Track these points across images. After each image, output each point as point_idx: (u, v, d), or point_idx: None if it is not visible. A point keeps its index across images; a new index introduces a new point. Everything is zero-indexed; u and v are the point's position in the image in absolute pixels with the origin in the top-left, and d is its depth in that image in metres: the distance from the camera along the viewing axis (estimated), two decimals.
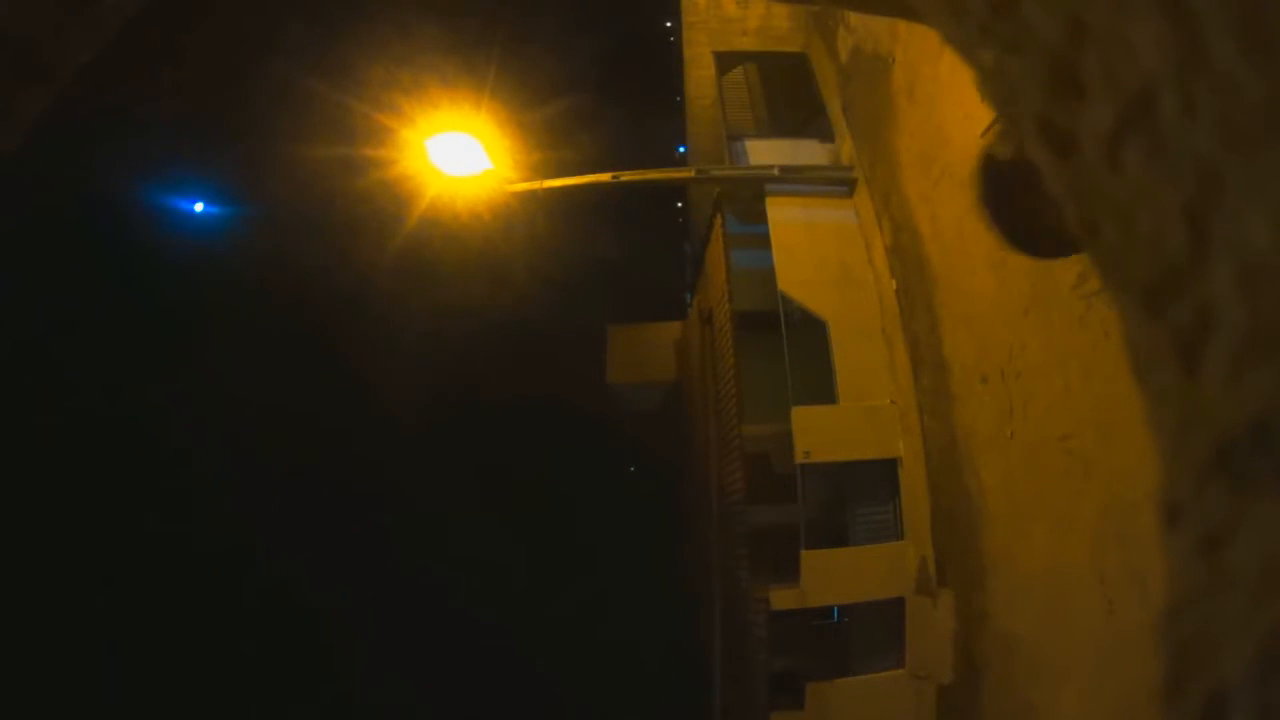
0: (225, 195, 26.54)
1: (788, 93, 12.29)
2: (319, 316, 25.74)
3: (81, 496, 22.88)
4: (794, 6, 11.67)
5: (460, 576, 26.75)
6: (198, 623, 23.44)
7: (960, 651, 7.05)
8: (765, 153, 10.45)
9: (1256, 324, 0.26)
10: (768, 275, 9.44)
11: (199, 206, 26.83)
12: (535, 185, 9.31)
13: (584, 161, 10.28)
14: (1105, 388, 4.83)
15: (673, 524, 19.65)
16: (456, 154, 8.53)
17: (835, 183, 9.95)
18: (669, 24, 19.61)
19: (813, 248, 9.47)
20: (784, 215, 9.67)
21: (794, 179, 9.94)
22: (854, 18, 9.74)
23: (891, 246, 8.80)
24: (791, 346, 9.11)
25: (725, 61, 12.44)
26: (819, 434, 8.48)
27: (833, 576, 8.21)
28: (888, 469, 8.50)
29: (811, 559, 8.23)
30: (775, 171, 9.82)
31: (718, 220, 10.87)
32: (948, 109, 7.16)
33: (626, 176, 9.72)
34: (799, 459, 8.42)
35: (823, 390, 8.78)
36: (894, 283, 8.79)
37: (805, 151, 10.48)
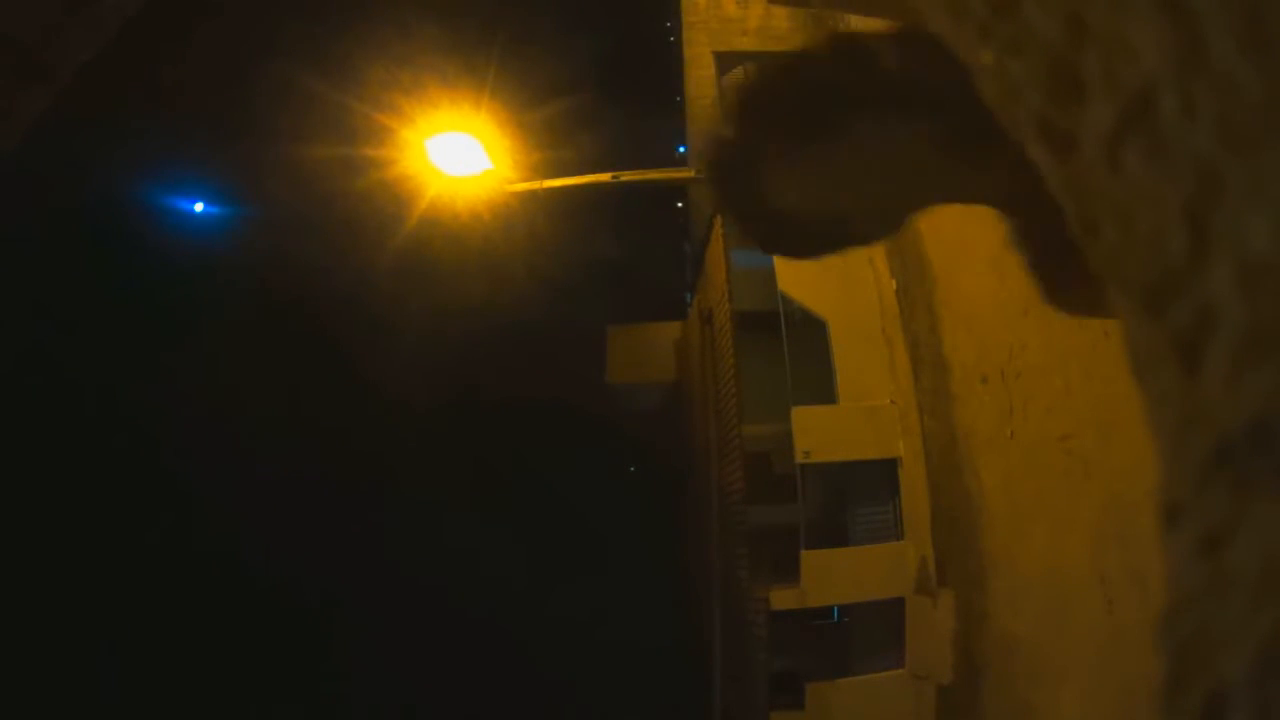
0: (225, 195, 26.55)
1: None
2: (319, 317, 25.76)
3: (81, 497, 22.89)
4: (794, 8, 11.67)
5: (460, 576, 26.75)
6: (197, 623, 23.45)
7: (960, 651, 7.05)
8: None
9: (1256, 324, 0.26)
10: (768, 275, 9.44)
11: (199, 206, 26.83)
12: (535, 185, 9.30)
13: (584, 161, 10.29)
14: (1105, 388, 4.83)
15: (673, 524, 19.65)
16: (456, 154, 8.53)
17: None
18: (669, 24, 19.61)
19: None
20: None
21: None
22: (854, 19, 9.74)
23: (891, 246, 8.81)
24: (791, 346, 9.11)
25: (725, 61, 12.44)
26: (819, 434, 8.49)
27: (833, 576, 8.21)
28: (888, 469, 8.50)
29: (811, 559, 8.23)
30: None
31: (718, 220, 10.86)
32: None
33: (626, 176, 9.71)
34: (799, 459, 8.42)
35: (823, 390, 8.78)
36: (894, 283, 8.79)
37: None
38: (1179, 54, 0.28)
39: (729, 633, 10.06)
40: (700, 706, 11.37)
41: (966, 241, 6.92)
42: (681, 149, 17.57)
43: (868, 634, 8.43)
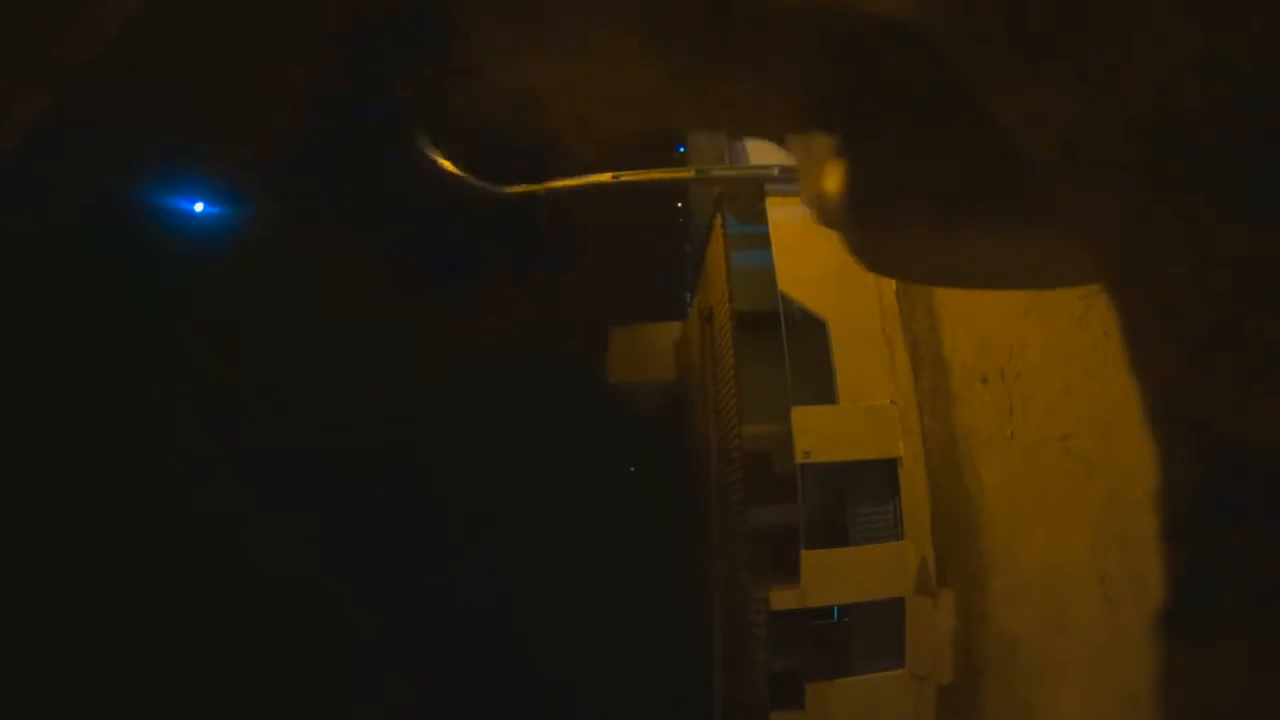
0: (225, 195, 26.52)
1: None
2: (318, 318, 25.73)
3: (80, 498, 22.88)
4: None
5: (459, 576, 26.74)
6: (196, 623, 23.44)
7: (960, 651, 7.05)
8: (765, 152, 10.44)
9: (1262, 337, 0.26)
10: (768, 275, 9.43)
11: (199, 206, 26.79)
12: (535, 186, 9.32)
13: (584, 161, 10.27)
14: (1105, 388, 4.83)
15: (672, 524, 19.65)
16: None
17: None
18: None
19: (813, 247, 9.45)
20: (784, 215, 9.66)
21: (794, 179, 9.91)
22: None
23: None
24: (791, 346, 9.10)
25: None
26: (819, 434, 8.48)
27: (833, 576, 8.20)
28: (888, 469, 8.50)
29: (811, 559, 8.23)
30: (775, 171, 9.81)
31: (718, 220, 10.86)
32: None
33: (626, 176, 9.73)
34: (799, 459, 8.42)
35: (823, 390, 8.78)
36: (894, 283, 8.78)
37: None
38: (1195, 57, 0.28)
39: (729, 633, 10.07)
40: (700, 706, 11.37)
41: None
42: (681, 149, 17.54)
43: (868, 634, 8.42)
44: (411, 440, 27.80)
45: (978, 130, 0.68)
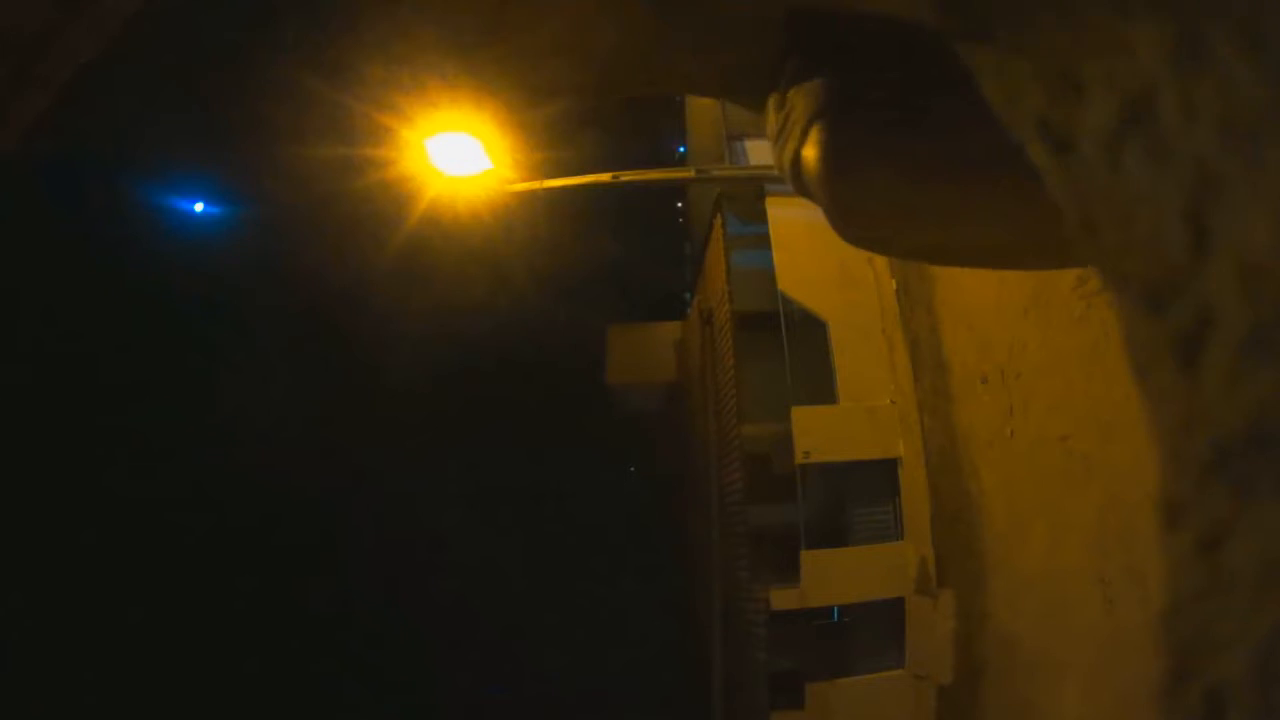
0: (225, 195, 26.54)
1: None
2: (317, 318, 25.76)
3: (80, 498, 22.90)
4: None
5: (457, 577, 26.75)
6: (196, 623, 23.46)
7: (960, 651, 7.05)
8: (765, 152, 10.42)
9: (1256, 324, 0.26)
10: (768, 275, 9.44)
11: (199, 206, 26.83)
12: (535, 185, 9.31)
13: (584, 161, 10.28)
14: (1105, 388, 4.82)
15: (672, 524, 19.65)
16: (456, 154, 8.53)
17: None
18: None
19: (813, 248, 9.46)
20: (784, 215, 9.66)
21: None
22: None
23: None
24: (791, 346, 9.10)
25: None
26: (819, 434, 8.48)
27: (833, 576, 8.20)
28: (888, 469, 8.49)
29: (811, 559, 8.22)
30: (775, 171, 9.80)
31: (718, 220, 10.86)
32: None
33: (626, 176, 9.73)
34: (799, 459, 8.41)
35: (823, 390, 8.78)
36: (894, 283, 8.78)
37: None
38: (1179, 54, 0.28)
39: (729, 633, 10.06)
40: (700, 706, 11.37)
41: None
42: (681, 149, 17.54)
43: (868, 634, 8.42)
44: (411, 440, 27.80)
45: (963, 99, 0.67)
